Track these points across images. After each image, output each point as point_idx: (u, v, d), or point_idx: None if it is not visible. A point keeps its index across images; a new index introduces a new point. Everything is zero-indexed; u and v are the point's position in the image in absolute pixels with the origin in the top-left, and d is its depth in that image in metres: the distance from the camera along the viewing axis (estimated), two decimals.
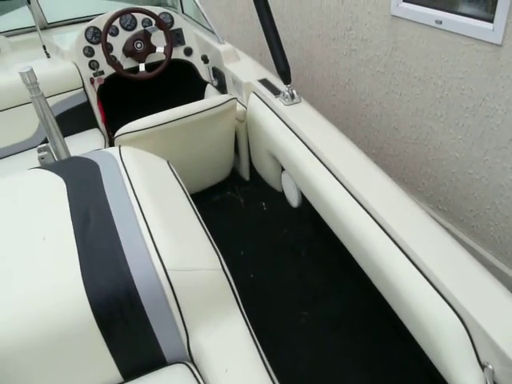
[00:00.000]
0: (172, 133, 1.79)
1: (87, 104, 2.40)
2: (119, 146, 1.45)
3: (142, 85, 2.56)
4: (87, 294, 0.96)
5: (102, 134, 2.40)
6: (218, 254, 1.11)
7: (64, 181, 1.29)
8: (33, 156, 1.64)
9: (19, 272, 1.01)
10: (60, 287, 0.97)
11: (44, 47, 2.49)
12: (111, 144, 2.38)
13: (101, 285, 0.97)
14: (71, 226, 1.12)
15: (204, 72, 2.49)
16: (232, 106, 1.87)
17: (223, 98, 1.83)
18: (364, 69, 2.39)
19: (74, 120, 2.39)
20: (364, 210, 1.31)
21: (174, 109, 1.75)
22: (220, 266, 1.08)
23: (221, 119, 1.87)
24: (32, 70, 1.50)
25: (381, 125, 2.41)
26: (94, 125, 2.45)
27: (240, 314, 1.09)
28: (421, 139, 2.14)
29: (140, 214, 1.12)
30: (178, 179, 1.40)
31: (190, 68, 2.53)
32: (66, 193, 1.24)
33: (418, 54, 1.97)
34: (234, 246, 1.94)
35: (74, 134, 2.40)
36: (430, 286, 1.06)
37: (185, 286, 1.02)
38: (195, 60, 2.51)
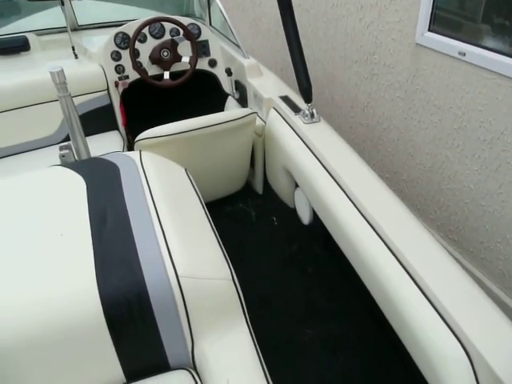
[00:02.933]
0: (191, 141, 1.82)
1: (110, 106, 2.45)
2: (140, 151, 1.48)
3: (164, 92, 2.62)
4: (100, 294, 0.98)
5: (122, 136, 2.45)
6: (229, 265, 1.12)
7: (84, 180, 1.32)
8: (52, 153, 1.68)
9: (36, 267, 1.03)
10: (74, 285, 0.99)
11: (73, 48, 2.56)
12: (130, 147, 2.43)
13: (113, 286, 0.99)
14: (88, 225, 1.15)
15: (226, 84, 2.54)
16: (252, 120, 1.90)
17: (244, 111, 1.86)
18: (384, 93, 2.42)
19: (95, 121, 2.44)
20: (375, 233, 1.32)
21: (196, 118, 1.79)
22: (230, 277, 1.10)
23: (240, 132, 1.91)
24: (62, 70, 1.54)
25: (397, 150, 2.43)
26: (115, 127, 2.50)
27: (246, 326, 1.10)
28: (436, 167, 2.15)
29: (156, 219, 1.14)
30: (194, 188, 1.43)
31: (213, 79, 2.58)
32: (85, 192, 1.27)
33: (439, 84, 2.00)
34: (243, 258, 1.96)
35: (94, 134, 2.45)
36: (437, 315, 1.06)
37: (195, 293, 1.03)
38: (219, 72, 2.56)
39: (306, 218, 1.84)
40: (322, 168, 1.63)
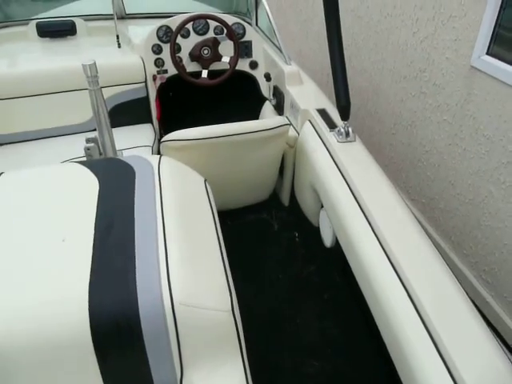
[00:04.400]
0: (219, 148, 1.76)
1: (146, 99, 2.43)
2: (160, 156, 1.43)
3: (200, 90, 2.57)
4: (89, 312, 0.93)
5: (154, 130, 2.42)
6: (231, 295, 1.05)
7: (98, 181, 1.28)
8: (82, 140, 1.66)
9: (28, 272, 1.00)
10: (63, 298, 0.95)
11: (117, 37, 2.55)
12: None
13: (104, 304, 0.95)
14: (93, 232, 1.10)
15: (265, 88, 2.46)
16: (285, 131, 1.81)
17: (277, 121, 1.78)
18: (430, 114, 2.26)
19: (130, 112, 2.43)
20: (395, 273, 1.22)
21: (227, 124, 1.72)
22: (230, 308, 1.03)
23: (271, 142, 1.83)
24: (95, 63, 1.51)
25: (437, 175, 2.28)
26: (149, 120, 2.48)
27: (241, 363, 1.03)
28: (477, 201, 2.00)
29: (162, 237, 1.08)
30: (210, 203, 1.36)
31: (251, 81, 2.51)
32: (97, 194, 1.23)
33: (491, 112, 1.84)
34: (258, 271, 1.89)
35: (127, 125, 2.44)
36: (447, 373, 0.97)
37: (189, 322, 0.97)
38: (259, 75, 2.48)
39: (328, 240, 1.75)
40: (350, 193, 1.52)
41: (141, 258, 1.03)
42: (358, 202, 1.47)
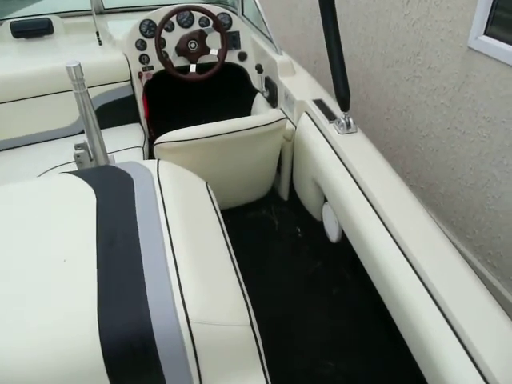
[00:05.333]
0: (215, 146, 1.69)
1: (132, 98, 2.33)
2: (158, 160, 1.36)
3: (189, 85, 2.48)
4: (100, 335, 0.87)
5: (143, 130, 2.34)
6: (248, 307, 1.00)
7: (95, 193, 1.21)
8: (70, 145, 1.58)
9: (34, 297, 0.93)
10: (72, 324, 0.88)
11: (97, 33, 2.44)
12: (151, 141, 2.31)
13: (116, 327, 0.88)
14: (95, 249, 1.03)
15: (256, 80, 2.38)
16: (282, 125, 1.75)
17: (273, 116, 1.71)
18: (426, 98, 2.22)
19: (116, 112, 2.33)
20: (407, 262, 1.18)
21: (221, 122, 1.65)
22: (249, 322, 0.97)
23: (268, 137, 1.76)
24: (79, 65, 1.42)
25: (436, 160, 2.24)
26: (136, 119, 2.39)
27: (263, 377, 0.98)
28: (479, 185, 1.97)
29: (170, 247, 1.02)
30: (214, 206, 1.30)
31: (241, 73, 2.42)
32: (95, 207, 1.16)
33: (491, 94, 1.80)
34: (261, 271, 1.84)
35: (115, 126, 2.34)
36: (471, 363, 0.94)
37: (207, 340, 0.91)
38: (248, 66, 2.40)
39: (334, 235, 1.70)
40: (355, 185, 1.47)
41: (149, 274, 0.97)
42: (364, 195, 1.43)
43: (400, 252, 1.22)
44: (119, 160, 1.70)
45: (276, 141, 1.82)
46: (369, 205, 1.39)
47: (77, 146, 1.59)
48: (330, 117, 1.72)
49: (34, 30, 2.52)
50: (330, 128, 1.68)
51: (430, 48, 2.11)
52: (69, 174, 1.31)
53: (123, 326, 0.89)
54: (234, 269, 1.09)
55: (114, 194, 1.21)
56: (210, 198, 1.33)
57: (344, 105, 1.63)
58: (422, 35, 2.16)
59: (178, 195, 1.22)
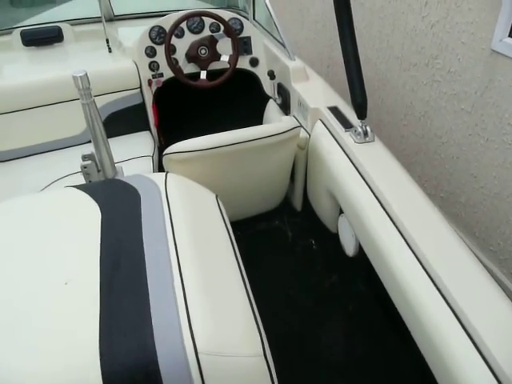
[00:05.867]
0: (226, 156, 1.62)
1: (142, 105, 2.28)
2: (166, 174, 1.30)
3: (200, 92, 2.42)
4: (101, 365, 0.81)
5: (153, 138, 2.29)
6: (260, 335, 0.92)
7: (100, 209, 1.15)
8: (79, 154, 1.53)
9: (32, 323, 0.87)
10: (72, 350, 0.82)
11: (107, 41, 2.40)
12: (161, 150, 2.26)
13: (118, 355, 0.82)
14: (98, 270, 0.97)
15: (268, 86, 2.31)
16: (296, 134, 1.68)
17: (287, 124, 1.64)
18: (446, 104, 2.13)
19: (126, 120, 2.29)
20: (429, 278, 1.11)
21: (233, 131, 1.59)
22: (261, 351, 0.90)
23: (281, 147, 1.69)
24: (86, 74, 1.37)
25: (456, 168, 2.14)
26: (146, 127, 2.34)
27: None
28: (504, 195, 1.87)
29: (178, 271, 0.95)
30: (225, 221, 1.23)
31: (253, 79, 2.36)
32: (99, 224, 1.10)
33: None
34: (274, 285, 1.76)
35: (124, 134, 2.30)
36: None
37: (216, 373, 0.84)
38: (260, 72, 2.33)
39: (350, 249, 1.62)
40: (373, 196, 1.40)
41: (155, 299, 0.90)
42: (383, 207, 1.35)
43: (421, 267, 1.15)
44: (128, 170, 1.65)
45: (290, 150, 1.75)
46: (388, 218, 1.32)
47: (84, 157, 1.54)
48: (346, 125, 1.65)
49: (44, 38, 2.50)
50: (346, 136, 1.60)
51: (450, 51, 2.02)
52: (74, 188, 1.25)
53: (125, 355, 0.82)
54: (245, 291, 1.02)
55: (120, 211, 1.15)
56: (221, 212, 1.26)
57: (361, 112, 1.55)
58: (441, 38, 2.07)
59: (187, 211, 1.15)
